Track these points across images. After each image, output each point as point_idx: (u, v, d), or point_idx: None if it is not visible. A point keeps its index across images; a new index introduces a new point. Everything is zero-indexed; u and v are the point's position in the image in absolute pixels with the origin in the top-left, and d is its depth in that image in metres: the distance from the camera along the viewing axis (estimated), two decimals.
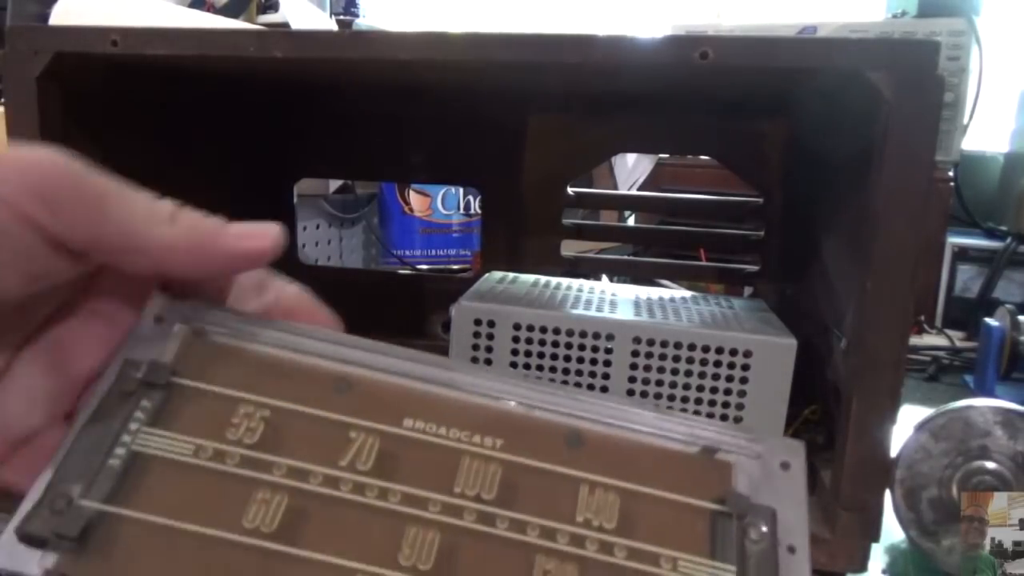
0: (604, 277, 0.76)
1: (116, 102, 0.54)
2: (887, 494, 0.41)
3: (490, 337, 0.47)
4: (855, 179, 0.43)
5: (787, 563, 0.21)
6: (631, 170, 1.15)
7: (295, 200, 0.76)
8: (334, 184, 1.20)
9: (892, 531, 0.43)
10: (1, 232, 0.19)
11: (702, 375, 0.45)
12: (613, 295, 0.52)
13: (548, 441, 0.22)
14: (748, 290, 0.71)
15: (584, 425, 0.22)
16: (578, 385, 0.46)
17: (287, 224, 0.82)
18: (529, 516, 0.21)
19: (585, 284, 0.55)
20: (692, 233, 0.75)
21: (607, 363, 0.46)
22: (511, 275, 0.56)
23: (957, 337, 0.91)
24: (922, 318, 0.94)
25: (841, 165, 0.49)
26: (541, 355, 0.46)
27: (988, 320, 0.74)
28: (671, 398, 0.45)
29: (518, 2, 1.68)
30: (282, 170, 0.73)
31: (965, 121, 0.89)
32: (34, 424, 0.21)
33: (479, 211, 0.92)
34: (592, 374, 0.46)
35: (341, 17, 1.34)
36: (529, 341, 0.46)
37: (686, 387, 0.45)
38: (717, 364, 0.44)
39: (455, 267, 1.29)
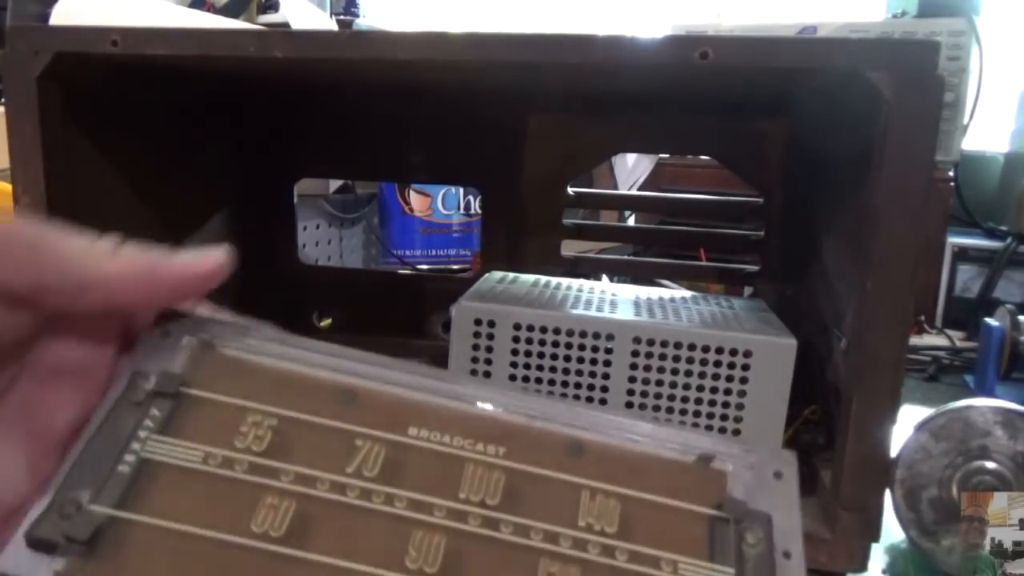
0: (604, 277, 0.76)
1: (116, 102, 0.54)
2: (887, 494, 0.41)
3: (490, 337, 0.47)
4: (855, 179, 0.43)
5: (783, 568, 0.21)
6: (631, 170, 1.15)
7: (295, 200, 0.76)
8: (334, 184, 1.20)
9: (892, 531, 0.43)
10: None
11: (702, 375, 0.45)
12: (613, 295, 0.52)
13: (549, 450, 0.23)
14: (748, 290, 0.71)
15: (584, 435, 0.23)
16: (578, 385, 0.46)
17: (287, 224, 0.82)
18: (532, 521, 0.21)
19: (585, 284, 0.55)
20: (692, 233, 0.75)
21: (607, 363, 0.46)
22: (511, 275, 0.56)
23: (957, 337, 0.91)
24: (922, 318, 0.94)
25: (841, 165, 0.49)
26: (541, 355, 0.46)
27: (988, 320, 0.74)
28: (671, 398, 0.45)
29: (518, 2, 1.68)
30: (282, 170, 0.73)
31: (965, 121, 0.89)
32: (20, 493, 0.21)
33: (479, 211, 0.92)
34: (592, 374, 0.46)
35: (341, 17, 1.34)
36: (529, 341, 0.46)
37: (686, 387, 0.45)
38: (717, 364, 0.44)
39: (455, 267, 1.29)
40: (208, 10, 1.11)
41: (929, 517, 0.42)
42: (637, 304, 0.50)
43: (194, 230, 0.66)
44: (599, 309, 0.47)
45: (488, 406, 0.23)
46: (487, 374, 0.47)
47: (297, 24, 1.04)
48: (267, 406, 0.22)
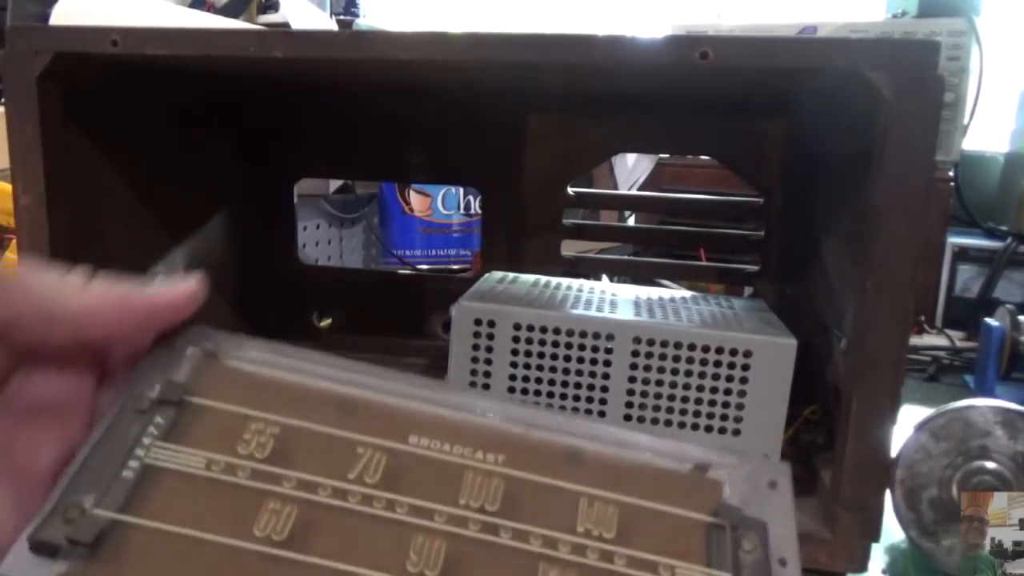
0: (604, 277, 0.76)
1: (116, 102, 0.54)
2: (887, 494, 0.41)
3: (490, 337, 0.47)
4: (855, 179, 0.43)
5: (780, 575, 0.22)
6: (631, 170, 1.15)
7: (295, 200, 0.76)
8: (334, 184, 1.20)
9: (892, 531, 0.43)
10: None
11: (702, 375, 0.45)
12: (613, 295, 0.52)
13: (547, 458, 0.23)
14: (748, 290, 0.71)
15: (581, 444, 0.24)
16: (578, 385, 0.46)
17: (287, 224, 0.81)
18: (531, 526, 0.21)
19: (585, 284, 0.55)
20: (692, 233, 0.75)
21: (607, 363, 0.46)
22: (511, 275, 0.56)
23: (957, 337, 0.91)
24: (922, 318, 0.94)
25: (841, 165, 0.49)
26: (541, 355, 0.46)
27: (988, 320, 0.74)
28: (671, 398, 0.45)
29: (518, 2, 1.68)
30: (282, 170, 0.73)
31: (965, 121, 0.89)
32: (7, 532, 0.20)
33: (479, 211, 0.92)
34: (592, 374, 0.46)
35: (341, 17, 1.34)
36: (529, 341, 0.46)
37: (686, 387, 0.45)
38: (717, 364, 0.44)
39: (455, 267, 1.29)
40: (208, 10, 1.11)
41: (929, 517, 0.42)
42: (637, 304, 0.50)
43: (194, 230, 0.66)
44: (599, 309, 0.47)
45: (486, 416, 0.24)
46: (487, 374, 0.47)
47: (297, 24, 1.04)
48: (269, 414, 0.23)
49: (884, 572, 0.44)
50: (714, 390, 0.45)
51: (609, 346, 0.45)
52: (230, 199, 0.70)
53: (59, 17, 0.78)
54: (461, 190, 1.30)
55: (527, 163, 0.68)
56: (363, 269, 1.29)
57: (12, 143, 0.46)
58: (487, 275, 0.56)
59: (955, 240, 0.96)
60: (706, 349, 0.44)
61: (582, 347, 0.46)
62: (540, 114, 0.67)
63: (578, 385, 0.46)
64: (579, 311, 0.47)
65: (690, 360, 0.45)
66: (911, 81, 0.36)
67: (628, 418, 0.46)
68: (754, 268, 0.66)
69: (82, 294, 0.21)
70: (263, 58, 0.44)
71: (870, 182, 0.39)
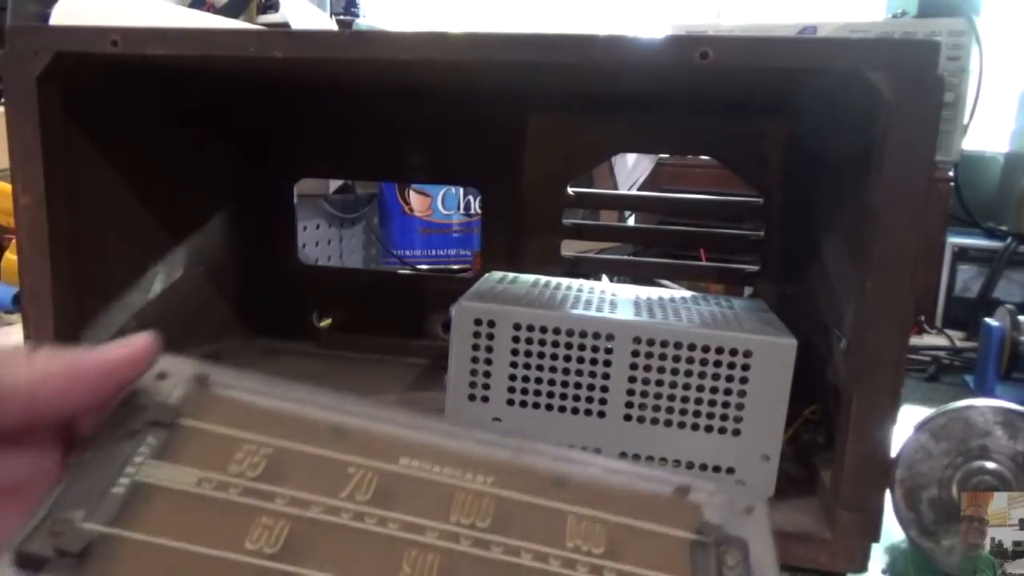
0: (604, 277, 0.76)
1: (116, 102, 0.54)
2: (887, 494, 0.41)
3: (490, 337, 0.47)
4: (855, 179, 0.43)
5: None
6: (631, 170, 1.15)
7: (295, 200, 0.76)
8: (334, 184, 1.20)
9: (892, 531, 0.43)
10: None
11: (702, 375, 0.45)
12: (613, 295, 0.52)
13: (535, 481, 0.24)
14: (748, 290, 0.71)
15: (566, 469, 0.24)
16: (578, 385, 0.46)
17: (287, 224, 0.81)
18: (522, 542, 0.22)
19: (585, 284, 0.55)
20: (692, 233, 0.75)
21: (607, 363, 0.46)
22: (511, 275, 0.56)
23: (957, 337, 0.91)
24: (922, 318, 0.94)
25: (841, 165, 0.49)
26: (541, 355, 0.46)
27: (988, 320, 0.74)
28: (671, 398, 0.45)
29: (518, 2, 1.68)
30: (282, 170, 0.73)
31: (965, 121, 0.89)
32: None
33: (479, 211, 0.92)
34: (592, 374, 0.46)
35: (341, 17, 1.34)
36: (529, 341, 0.46)
37: (686, 387, 0.45)
38: (717, 364, 0.44)
39: (455, 267, 1.29)
40: (208, 10, 1.11)
41: (929, 517, 0.42)
42: (637, 304, 0.50)
43: (194, 230, 0.66)
44: (599, 309, 0.47)
45: (473, 442, 0.24)
46: (487, 374, 0.47)
47: (297, 24, 1.04)
48: (261, 437, 0.23)
49: (884, 572, 0.44)
50: (714, 390, 0.45)
51: (609, 346, 0.45)
52: (230, 199, 0.70)
53: (59, 17, 0.78)
54: (461, 190, 1.30)
55: (527, 163, 0.68)
56: (363, 269, 1.29)
57: (12, 143, 0.46)
58: (487, 275, 0.56)
59: (955, 240, 0.96)
60: (706, 349, 0.44)
61: (582, 347, 0.46)
62: (540, 114, 0.67)
63: (578, 385, 0.46)
64: (579, 311, 0.47)
65: (690, 360, 0.45)
66: (911, 81, 0.36)
67: (628, 418, 0.46)
68: (754, 268, 0.66)
69: (28, 368, 0.21)
70: (263, 58, 0.44)
71: (870, 182, 0.39)
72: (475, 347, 0.47)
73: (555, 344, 0.46)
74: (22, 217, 0.47)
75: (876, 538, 0.41)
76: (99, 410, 0.22)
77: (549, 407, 0.47)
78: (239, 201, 0.71)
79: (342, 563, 0.20)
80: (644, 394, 0.45)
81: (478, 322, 0.47)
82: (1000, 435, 0.41)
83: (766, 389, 0.44)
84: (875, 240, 0.38)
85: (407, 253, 1.29)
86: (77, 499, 0.20)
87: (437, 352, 0.68)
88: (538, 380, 0.46)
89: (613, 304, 0.49)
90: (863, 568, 0.41)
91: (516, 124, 0.68)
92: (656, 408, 0.45)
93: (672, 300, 0.52)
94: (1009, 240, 0.95)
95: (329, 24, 1.23)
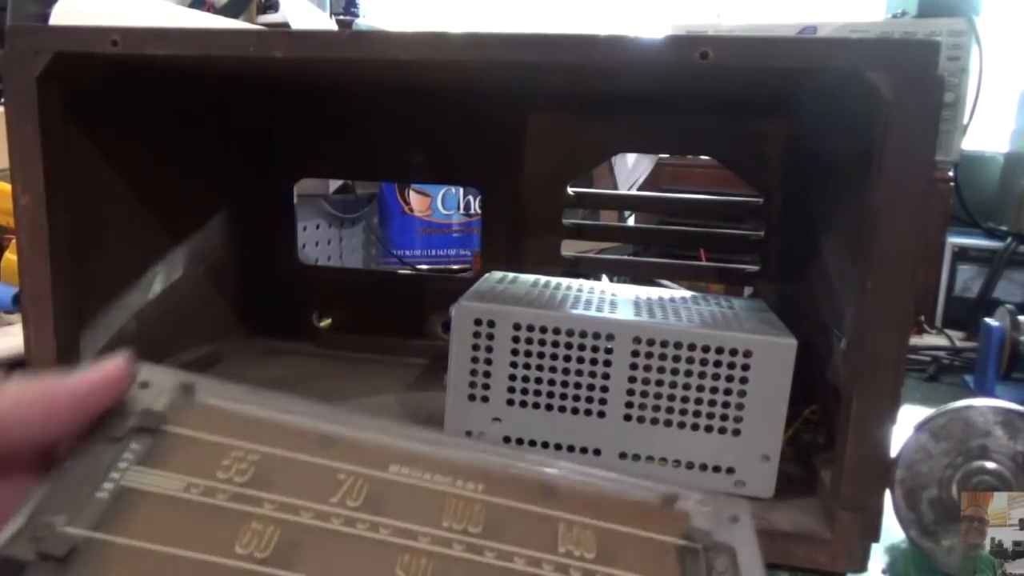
0: (604, 277, 0.76)
1: (116, 102, 0.54)
2: (887, 494, 0.41)
3: (490, 337, 0.47)
4: (855, 179, 0.43)
5: None
6: (631, 170, 1.15)
7: (295, 200, 0.76)
8: (334, 184, 1.20)
9: (892, 531, 0.43)
10: None
11: (702, 375, 0.45)
12: (613, 295, 0.52)
13: (525, 489, 0.24)
14: (748, 290, 0.71)
15: (555, 478, 0.25)
16: (578, 385, 0.46)
17: (287, 224, 0.81)
18: (515, 547, 0.22)
19: (585, 284, 0.55)
20: (692, 233, 0.75)
21: (607, 363, 0.46)
22: (511, 275, 0.56)
23: (957, 337, 0.91)
24: (922, 318, 0.94)
25: (841, 165, 0.49)
26: (541, 355, 0.46)
27: (988, 320, 0.74)
28: (671, 398, 0.45)
29: (518, 2, 1.68)
30: (282, 170, 0.73)
31: (965, 121, 0.89)
32: None
33: (479, 211, 0.92)
34: (592, 374, 0.46)
35: (341, 17, 1.34)
36: (529, 341, 0.46)
37: (686, 387, 0.45)
38: (717, 364, 0.44)
39: (455, 267, 1.29)
40: (208, 10, 1.11)
41: (929, 517, 0.42)
42: (637, 304, 0.50)
43: (194, 230, 0.66)
44: (599, 309, 0.47)
45: (462, 451, 0.25)
46: (487, 374, 0.47)
47: (297, 24, 1.04)
48: (249, 443, 0.23)
49: (884, 572, 0.44)
50: (714, 390, 0.45)
51: (609, 346, 0.45)
52: (230, 199, 0.70)
53: (59, 17, 0.78)
54: (461, 190, 1.30)
55: (527, 163, 0.68)
56: (363, 269, 1.29)
57: (12, 143, 0.46)
58: (487, 275, 0.56)
59: (955, 240, 0.96)
60: (706, 349, 0.44)
61: (582, 347, 0.46)
62: (540, 114, 0.67)
63: (578, 385, 0.46)
64: (579, 311, 0.47)
65: (690, 360, 0.45)
66: (911, 81, 0.36)
67: (628, 418, 0.46)
68: (754, 268, 0.66)
69: (0, 398, 0.21)
70: (263, 58, 0.44)
71: (870, 182, 0.39)
72: (475, 347, 0.47)
73: (555, 344, 0.46)
74: (22, 217, 0.47)
75: (876, 538, 0.41)
76: (75, 437, 0.22)
77: (549, 407, 0.47)
78: (239, 201, 0.71)
79: (335, 567, 0.20)
80: (644, 394, 0.45)
81: (478, 322, 0.47)
82: (1000, 435, 0.41)
83: (766, 389, 0.44)
84: (875, 240, 0.38)
85: (407, 253, 1.29)
86: (59, 503, 0.20)
87: (437, 352, 0.68)
88: (538, 380, 0.46)
89: (613, 304, 0.49)
90: (863, 568, 0.41)
91: (516, 124, 0.68)
92: (656, 408, 0.45)
93: (672, 300, 0.52)
94: (1009, 240, 0.95)
95: (329, 24, 1.23)
